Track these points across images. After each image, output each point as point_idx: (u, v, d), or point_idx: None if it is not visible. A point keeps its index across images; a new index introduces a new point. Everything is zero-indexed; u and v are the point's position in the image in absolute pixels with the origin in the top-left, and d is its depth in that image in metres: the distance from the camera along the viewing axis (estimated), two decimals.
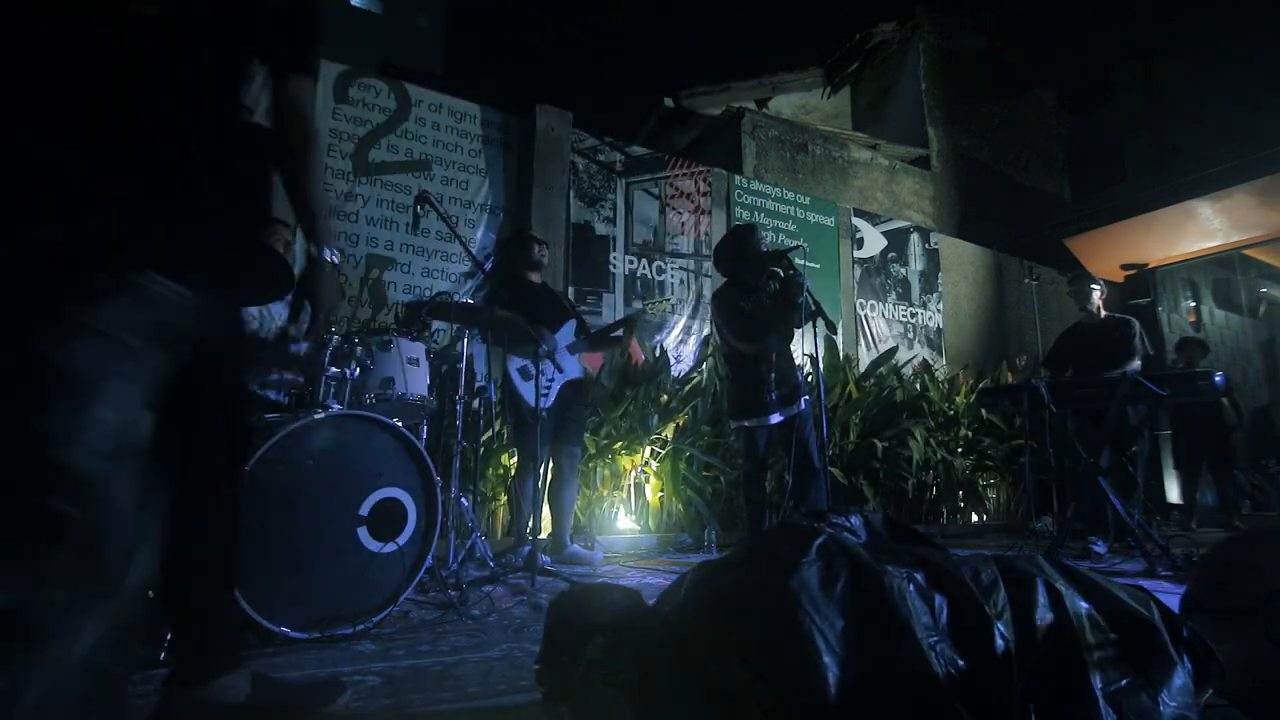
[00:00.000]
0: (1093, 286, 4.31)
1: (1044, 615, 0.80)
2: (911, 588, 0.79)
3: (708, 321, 5.71)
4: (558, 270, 5.11)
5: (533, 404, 3.03)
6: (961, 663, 0.74)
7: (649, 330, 5.44)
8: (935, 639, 0.75)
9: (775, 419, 3.16)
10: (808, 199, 6.81)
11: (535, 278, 3.64)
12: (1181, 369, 6.17)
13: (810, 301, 3.15)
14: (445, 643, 1.87)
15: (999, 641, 0.76)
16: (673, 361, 5.24)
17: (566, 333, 3.53)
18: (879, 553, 0.85)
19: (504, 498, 3.96)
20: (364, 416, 2.07)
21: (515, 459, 3.86)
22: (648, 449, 4.44)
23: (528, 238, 3.71)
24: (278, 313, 2.82)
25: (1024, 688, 0.75)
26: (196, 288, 0.82)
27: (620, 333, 3.69)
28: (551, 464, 3.51)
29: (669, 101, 9.72)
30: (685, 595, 0.89)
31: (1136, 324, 4.23)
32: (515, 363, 3.29)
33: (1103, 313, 4.31)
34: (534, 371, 3.06)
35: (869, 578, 0.80)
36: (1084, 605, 0.83)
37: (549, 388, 3.26)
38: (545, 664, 0.96)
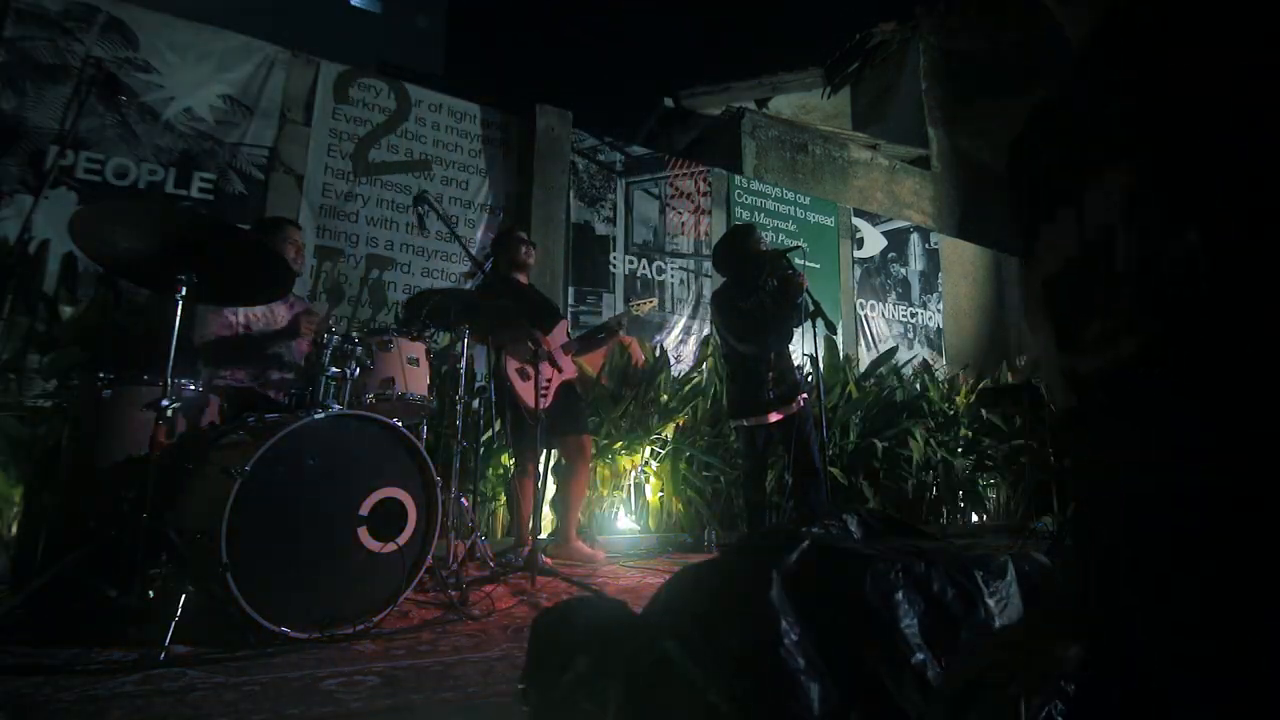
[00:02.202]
0: None
1: None
2: (900, 593, 0.76)
3: (708, 321, 5.71)
4: (557, 270, 5.11)
5: (532, 404, 3.03)
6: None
7: (649, 330, 5.44)
8: (921, 643, 0.73)
9: (774, 418, 3.16)
10: (808, 199, 6.81)
11: (523, 278, 3.63)
12: None
13: (810, 301, 3.15)
14: (445, 643, 1.87)
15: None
16: (673, 361, 5.23)
17: (559, 334, 3.54)
18: (870, 552, 0.83)
19: (504, 498, 3.96)
20: (364, 416, 2.07)
21: (514, 459, 3.86)
22: (648, 449, 4.44)
23: (515, 238, 3.68)
24: (280, 312, 2.82)
25: (1040, 700, 0.72)
26: None
27: (603, 335, 3.70)
28: (563, 459, 3.53)
29: (669, 101, 9.72)
30: (664, 607, 0.87)
31: None
32: (513, 363, 3.29)
33: None
34: (532, 373, 3.07)
35: (854, 583, 0.77)
36: None
37: (547, 387, 3.27)
38: (529, 683, 0.95)
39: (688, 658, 0.76)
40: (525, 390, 3.21)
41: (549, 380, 3.30)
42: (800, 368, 3.34)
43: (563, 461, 3.56)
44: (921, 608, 0.75)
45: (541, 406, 3.08)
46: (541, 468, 3.38)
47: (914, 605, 0.75)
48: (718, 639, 0.76)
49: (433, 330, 3.12)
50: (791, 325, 3.16)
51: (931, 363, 6.98)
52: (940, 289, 7.54)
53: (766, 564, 0.81)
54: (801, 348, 3.23)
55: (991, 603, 0.76)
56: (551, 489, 3.68)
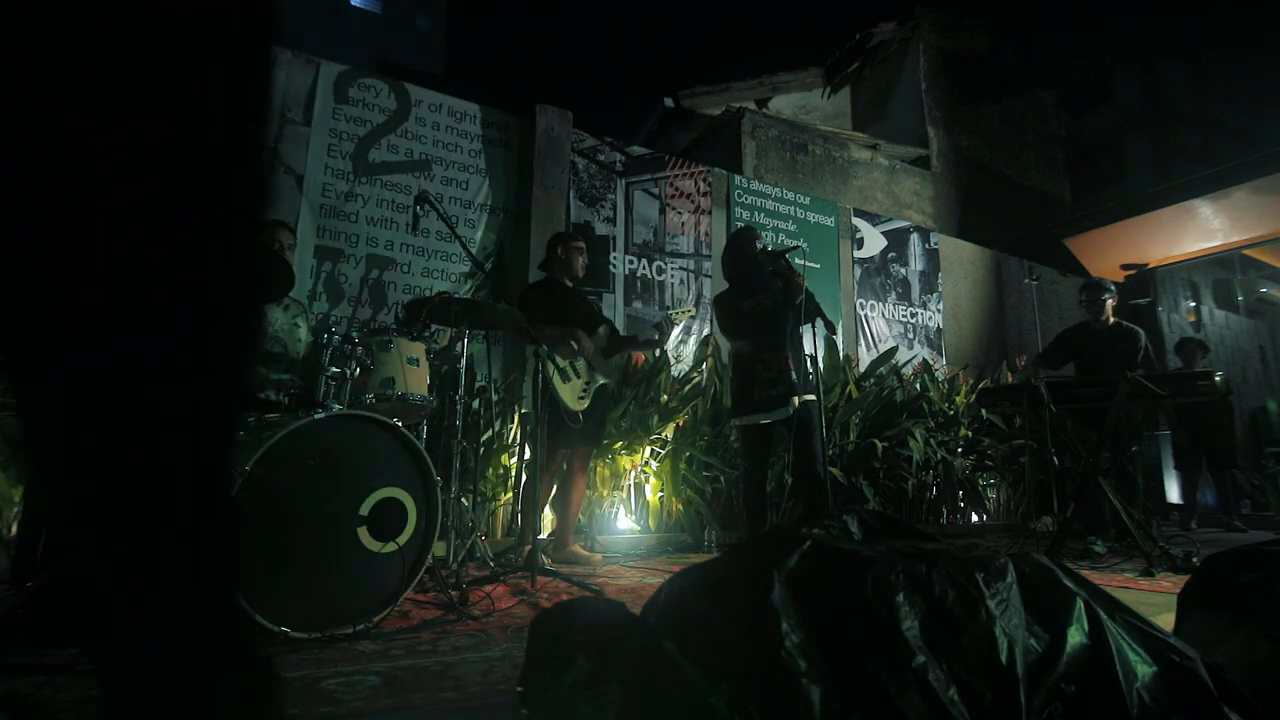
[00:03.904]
0: (1105, 296, 4.27)
1: (1077, 634, 0.77)
2: (901, 595, 0.75)
3: (708, 321, 5.71)
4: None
5: (571, 405, 3.19)
6: (958, 672, 0.71)
7: (649, 330, 5.44)
8: (922, 645, 0.72)
9: (766, 419, 3.15)
10: (808, 199, 6.81)
11: (569, 282, 3.67)
12: (1181, 369, 6.17)
13: (810, 302, 3.15)
14: (445, 642, 1.87)
15: (1002, 648, 0.73)
16: (673, 361, 5.23)
17: (600, 339, 3.60)
18: (871, 554, 0.82)
19: (504, 497, 3.96)
20: (364, 416, 2.07)
21: (515, 459, 3.86)
22: (648, 449, 4.44)
23: (574, 247, 3.68)
24: (275, 316, 2.82)
25: (1040, 703, 0.71)
26: None
27: (657, 336, 3.74)
28: (565, 463, 3.55)
29: (669, 101, 9.73)
30: (664, 608, 0.86)
31: (1143, 335, 4.17)
32: (557, 363, 3.34)
33: (1111, 320, 4.28)
34: (573, 375, 3.18)
35: (855, 585, 0.76)
36: (1123, 630, 0.80)
37: (586, 390, 3.34)
38: (528, 686, 0.94)
39: (688, 660, 0.76)
40: (564, 391, 3.27)
41: (587, 385, 3.39)
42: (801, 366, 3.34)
43: (564, 465, 3.57)
44: (923, 610, 0.75)
45: (580, 409, 3.20)
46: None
47: (915, 608, 0.75)
48: (718, 641, 0.76)
49: (434, 330, 3.13)
50: (787, 324, 3.15)
51: (931, 363, 6.98)
52: (940, 289, 7.54)
53: (767, 565, 0.80)
54: (802, 348, 3.23)
55: (992, 604, 0.76)
56: (552, 490, 3.68)
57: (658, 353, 5.12)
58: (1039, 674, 0.73)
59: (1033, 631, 0.76)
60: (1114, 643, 0.77)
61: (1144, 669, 0.76)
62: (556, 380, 3.28)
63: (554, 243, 3.76)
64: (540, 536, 3.08)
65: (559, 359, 3.31)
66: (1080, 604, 0.79)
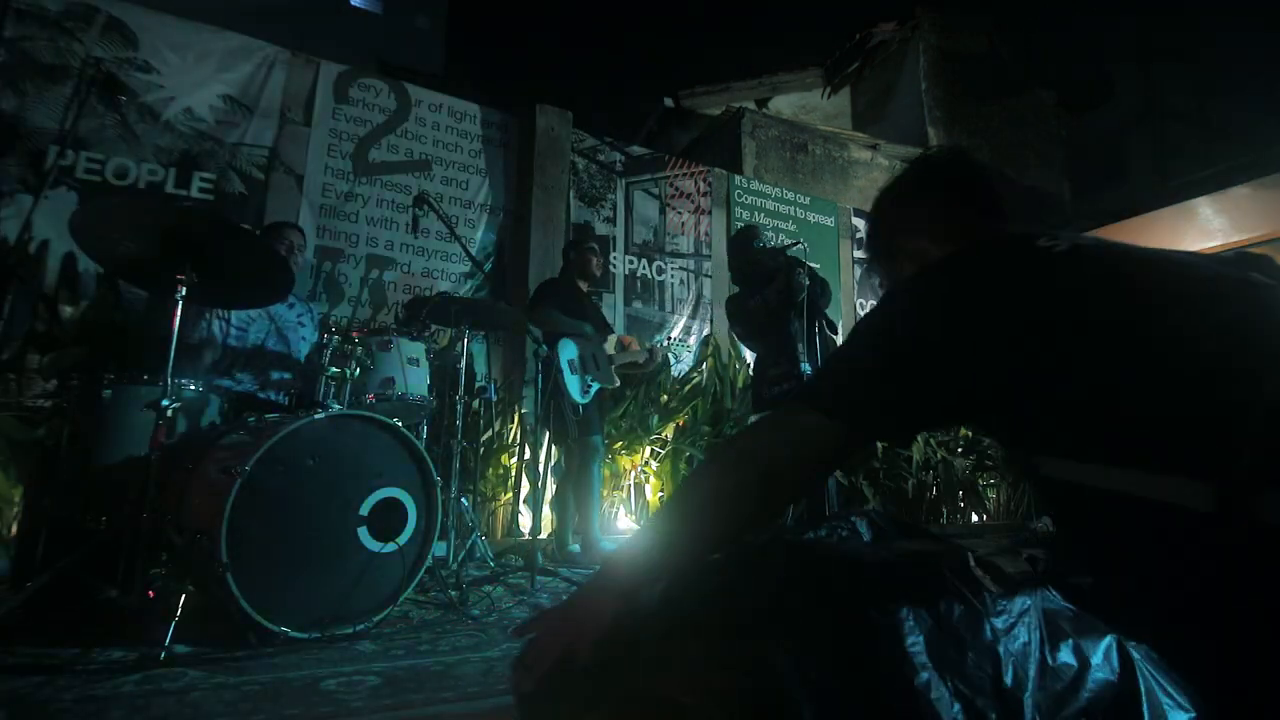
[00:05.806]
0: None
1: (1103, 667, 0.73)
2: (906, 609, 0.72)
3: (708, 321, 5.71)
4: (557, 270, 5.10)
5: (575, 397, 3.28)
6: (962, 690, 0.68)
7: (649, 330, 5.44)
8: (926, 662, 0.69)
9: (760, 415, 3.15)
10: (808, 199, 6.81)
11: (584, 286, 3.78)
12: None
13: (814, 301, 3.14)
14: (445, 642, 1.87)
15: (1006, 668, 0.71)
16: (673, 361, 5.23)
17: (610, 344, 3.70)
18: (875, 562, 0.79)
19: (505, 497, 3.96)
20: (364, 416, 2.07)
21: (515, 459, 3.86)
22: (648, 449, 4.44)
23: (588, 248, 3.81)
24: (278, 313, 2.82)
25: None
26: None
27: (645, 358, 3.87)
28: (565, 458, 3.61)
29: (669, 101, 9.73)
30: (659, 613, 0.84)
31: None
32: (566, 354, 3.38)
33: None
34: (580, 367, 3.27)
35: (857, 596, 0.73)
36: (1156, 671, 0.76)
37: (590, 386, 3.42)
38: (521, 695, 0.93)
39: (676, 673, 0.74)
40: (571, 383, 3.34)
41: (590, 382, 3.47)
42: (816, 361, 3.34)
43: (561, 462, 3.60)
44: (927, 625, 0.71)
45: (581, 402, 3.34)
46: (541, 467, 3.39)
47: (920, 622, 0.71)
48: (713, 653, 0.73)
49: (434, 330, 3.13)
50: (792, 322, 3.14)
51: None
52: None
53: (767, 572, 0.78)
54: (818, 344, 3.23)
55: (998, 622, 0.73)
56: (551, 489, 3.69)
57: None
58: (1058, 703, 0.70)
59: (1050, 655, 0.73)
60: (1144, 684, 0.73)
61: (1178, 716, 0.73)
62: (566, 370, 3.34)
63: (568, 247, 3.95)
64: (540, 536, 3.08)
65: (567, 347, 3.37)
66: (1111, 638, 0.76)
